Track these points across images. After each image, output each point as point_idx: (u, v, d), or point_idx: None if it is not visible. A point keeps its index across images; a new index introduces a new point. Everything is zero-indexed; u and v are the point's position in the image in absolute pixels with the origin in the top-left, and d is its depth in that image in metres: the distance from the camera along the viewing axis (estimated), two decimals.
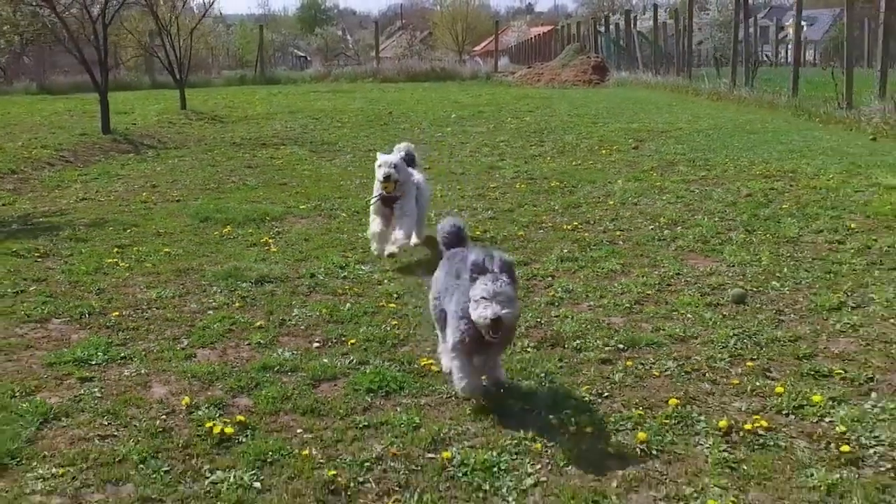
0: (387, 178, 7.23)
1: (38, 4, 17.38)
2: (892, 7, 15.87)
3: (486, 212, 9.42)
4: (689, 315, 5.92)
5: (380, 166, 7.28)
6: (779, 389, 4.62)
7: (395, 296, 6.53)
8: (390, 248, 7.25)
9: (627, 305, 6.17)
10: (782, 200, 9.52)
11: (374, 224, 7.51)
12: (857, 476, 3.74)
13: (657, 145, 14.06)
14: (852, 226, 8.25)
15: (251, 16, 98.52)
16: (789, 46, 46.94)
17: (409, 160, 7.65)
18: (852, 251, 7.39)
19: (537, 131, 16.59)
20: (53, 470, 3.90)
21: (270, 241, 8.24)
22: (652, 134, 15.54)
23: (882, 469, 3.80)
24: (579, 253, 7.60)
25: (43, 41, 23.09)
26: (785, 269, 6.94)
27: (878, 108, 14.62)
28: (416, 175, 7.74)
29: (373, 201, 7.55)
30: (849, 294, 6.27)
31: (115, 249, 7.97)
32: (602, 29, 39.35)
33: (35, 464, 3.96)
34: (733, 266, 7.08)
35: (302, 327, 5.83)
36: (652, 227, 8.53)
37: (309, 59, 63.98)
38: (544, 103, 23.30)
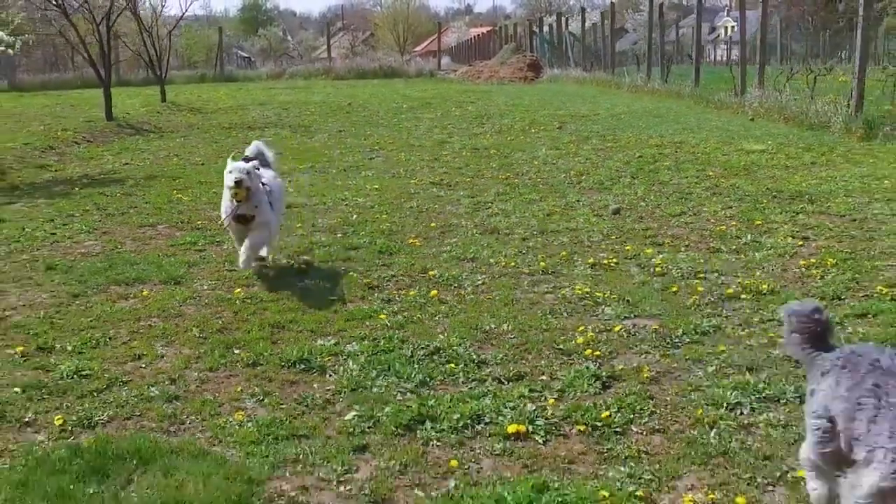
0: (238, 182, 6.67)
1: (49, 8, 20.10)
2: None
3: (441, 169, 12.56)
4: (581, 219, 9.11)
5: (230, 172, 6.74)
6: (628, 248, 7.82)
7: (385, 211, 9.63)
8: (241, 265, 7.00)
9: (541, 216, 9.34)
10: (665, 160, 12.73)
11: (237, 243, 7.22)
12: (660, 281, 6.94)
13: (577, 126, 17.28)
14: (710, 174, 11.48)
15: (192, 17, 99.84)
16: (716, 46, 50.81)
17: (262, 161, 7.37)
18: (702, 187, 10.61)
19: (478, 117, 19.76)
20: (207, 283, 7.01)
21: (287, 182, 11.34)
22: (574, 118, 18.77)
23: (676, 275, 6.98)
24: (510, 191, 10.77)
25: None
26: (652, 197, 10.15)
27: (757, 95, 18.01)
28: (267, 175, 7.24)
29: (225, 221, 7.15)
30: (690, 208, 9.50)
31: (174, 191, 11.03)
32: (537, 30, 42.67)
33: (196, 281, 7.07)
34: (617, 196, 10.28)
35: (330, 228, 8.95)
36: (564, 176, 11.71)
37: (253, 59, 66.16)
38: (484, 96, 26.49)
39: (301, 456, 4.03)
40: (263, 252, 7.21)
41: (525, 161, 13.00)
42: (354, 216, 9.34)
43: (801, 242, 7.76)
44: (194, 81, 38.50)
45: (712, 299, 6.27)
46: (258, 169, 7.01)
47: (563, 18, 41.46)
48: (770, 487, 3.70)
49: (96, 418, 4.47)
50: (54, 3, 19.52)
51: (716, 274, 6.90)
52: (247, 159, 7.14)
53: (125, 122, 19.75)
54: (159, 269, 7.30)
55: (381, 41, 76.76)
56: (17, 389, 4.75)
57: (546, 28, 41.79)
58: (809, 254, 7.37)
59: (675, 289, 6.53)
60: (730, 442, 4.08)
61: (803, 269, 6.93)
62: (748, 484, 3.72)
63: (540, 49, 40.21)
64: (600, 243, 8.00)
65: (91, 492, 3.69)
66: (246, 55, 70.74)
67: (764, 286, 6.48)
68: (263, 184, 7.01)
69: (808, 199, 9.48)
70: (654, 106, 20.98)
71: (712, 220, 8.76)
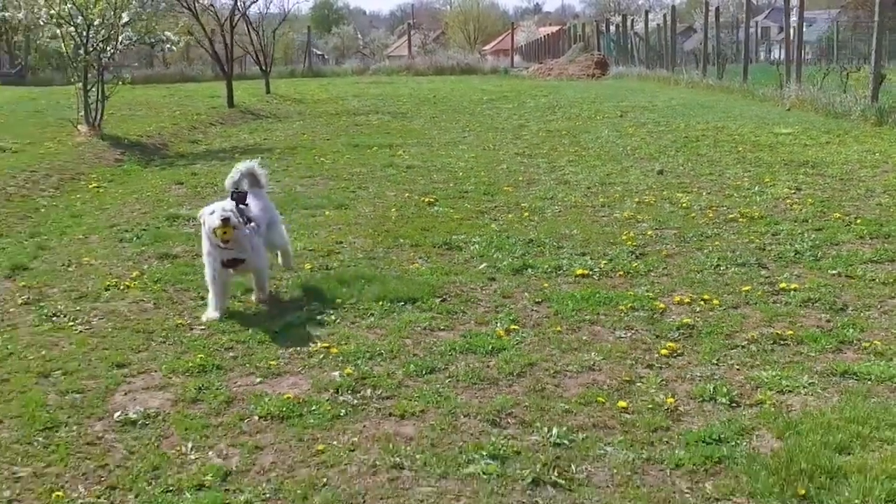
0: (225, 220, 5.83)
1: (181, 10, 23.51)
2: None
3: (522, 144, 15.60)
4: (632, 177, 12.10)
5: (212, 212, 5.90)
6: (664, 193, 10.78)
7: (482, 170, 12.71)
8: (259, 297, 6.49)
9: (602, 175, 12.32)
10: (706, 140, 15.64)
11: (211, 310, 6.25)
12: (684, 211, 9.94)
13: (636, 115, 20.23)
14: (740, 149, 14.39)
15: (267, 14, 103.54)
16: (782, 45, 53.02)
17: (254, 182, 6.68)
18: (731, 158, 13.50)
19: (550, 107, 22.80)
20: (366, 209, 10.16)
21: (401, 151, 14.51)
22: (634, 109, 21.71)
23: (696, 208, 9.98)
24: (578, 159, 13.79)
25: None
26: (689, 163, 13.09)
27: (794, 89, 20.86)
28: (254, 207, 6.41)
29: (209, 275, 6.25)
30: (717, 171, 12.43)
31: (316, 156, 14.25)
32: (604, 30, 45.58)
33: (358, 206, 10.23)
34: (662, 162, 13.26)
35: (444, 180, 12.05)
36: (621, 150, 14.69)
37: (326, 57, 69.54)
38: (554, 91, 29.51)
39: (456, 283, 7.14)
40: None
41: (590, 139, 16.00)
42: (460, 173, 12.43)
43: (793, 191, 10.65)
44: (285, 76, 41.90)
45: (718, 220, 9.25)
46: (244, 203, 6.26)
47: (630, 19, 44.26)
48: (726, 296, 6.73)
49: (333, 265, 7.63)
50: (185, 4, 22.86)
51: (724, 207, 9.85)
52: (233, 194, 6.31)
53: (244, 108, 23.06)
54: (330, 201, 10.47)
55: (452, 39, 79.33)
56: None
57: (612, 28, 44.62)
58: (797, 197, 10.30)
59: (693, 215, 9.52)
60: (706, 280, 7.11)
61: (787, 205, 9.86)
62: (713, 293, 6.75)
63: (606, 48, 43.08)
64: (645, 191, 10.98)
65: (343, 288, 6.84)
66: (319, 53, 73.84)
67: (756, 213, 9.44)
68: (250, 220, 6.22)
69: (810, 166, 12.34)
70: (706, 99, 23.82)
71: (732, 178, 11.69)
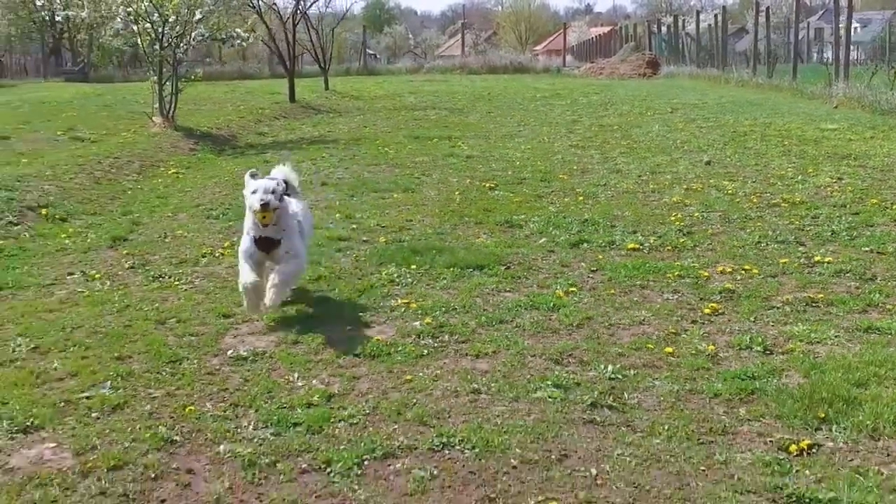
0: (265, 206, 5.71)
1: (247, 9, 24.42)
2: None
3: (576, 137, 16.27)
4: (681, 167, 12.75)
5: (254, 192, 5.77)
6: (712, 181, 11.42)
7: (538, 160, 13.42)
8: (268, 302, 5.93)
9: (653, 165, 12.97)
10: (753, 134, 16.22)
11: (245, 273, 5.94)
12: (730, 197, 10.60)
13: (686, 111, 20.82)
14: (786, 143, 15.00)
15: (325, 14, 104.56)
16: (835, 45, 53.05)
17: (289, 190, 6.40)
18: (776, 151, 14.10)
19: (602, 104, 23.45)
20: (432, 192, 10.93)
21: (460, 143, 15.26)
22: (685, 106, 22.30)
23: (741, 195, 10.64)
24: (630, 151, 14.46)
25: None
26: (736, 156, 13.69)
27: (842, 87, 21.37)
28: (294, 205, 6.35)
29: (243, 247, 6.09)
30: (763, 163, 13.04)
31: (380, 147, 15.04)
32: (655, 30, 46.06)
33: (423, 190, 11.00)
34: (711, 155, 13.91)
35: (502, 168, 12.78)
36: (671, 143, 15.33)
37: (378, 56, 70.48)
38: (606, 89, 30.12)
39: (519, 254, 7.86)
40: (288, 291, 6.21)
41: (641, 134, 16.65)
42: (517, 163, 13.15)
43: (835, 181, 11.24)
44: (340, 74, 42.82)
45: (761, 205, 9.89)
46: (286, 192, 6.15)
47: (682, 20, 44.71)
48: (765, 267, 7.40)
49: (404, 237, 8.40)
50: (251, 4, 23.78)
51: (768, 194, 10.48)
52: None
53: (305, 104, 23.94)
54: (397, 185, 11.25)
55: (504, 39, 79.88)
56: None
57: (664, 29, 45.09)
58: (838, 186, 10.91)
59: (738, 200, 10.17)
60: (747, 254, 7.78)
61: (828, 193, 10.46)
62: (753, 264, 7.42)
63: (658, 48, 43.56)
64: (693, 179, 11.63)
65: (417, 257, 7.60)
66: (372, 52, 74.78)
67: (797, 199, 10.07)
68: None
69: (852, 158, 12.92)
70: (755, 97, 24.34)
71: (776, 169, 12.30)
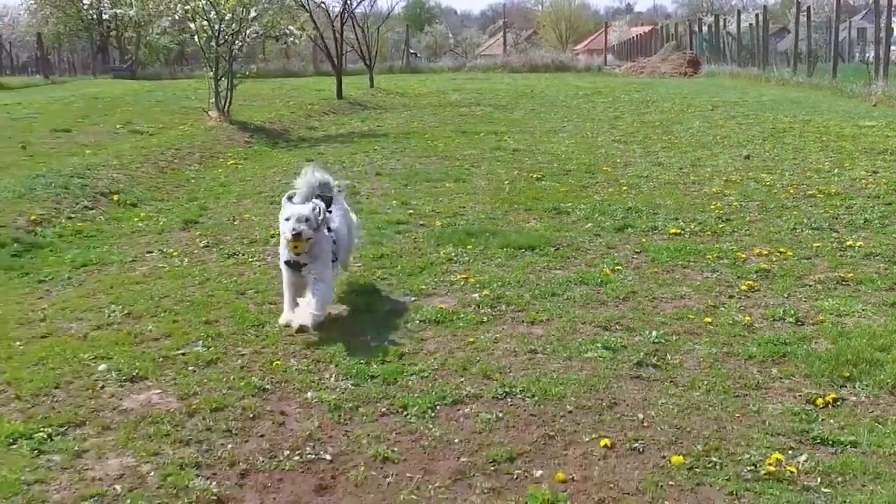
0: (296, 236, 5.64)
1: (297, 7, 25.07)
2: None
3: (618, 133, 16.76)
4: (720, 161, 13.20)
5: (287, 219, 5.70)
6: (750, 174, 11.91)
7: (582, 154, 13.94)
8: (300, 321, 5.84)
9: (693, 158, 13.42)
10: (792, 131, 16.60)
11: (286, 293, 6.05)
12: (767, 188, 11.07)
13: (727, 109, 21.22)
14: (823, 139, 15.40)
15: (371, 13, 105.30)
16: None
17: (326, 195, 6.29)
18: (814, 147, 14.49)
19: (644, 102, 23.88)
20: (482, 182, 11.49)
21: (507, 137, 15.80)
22: (725, 104, 22.68)
23: (778, 186, 11.11)
24: (671, 146, 14.91)
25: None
26: (774, 150, 14.14)
27: (881, 86, 21.70)
28: (335, 215, 6.24)
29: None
30: (800, 157, 13.48)
31: (429, 141, 15.60)
32: (696, 29, 46.34)
33: (473, 181, 11.56)
34: (751, 149, 14.35)
35: (548, 161, 13.32)
36: (711, 138, 15.76)
37: (418, 55, 71.01)
38: (647, 87, 30.52)
39: (567, 237, 8.38)
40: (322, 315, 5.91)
41: (682, 130, 17.10)
42: (562, 156, 13.67)
43: (870, 174, 11.64)
44: (383, 72, 43.41)
45: (797, 196, 10.34)
46: (327, 210, 6.05)
47: (723, 19, 44.97)
48: (799, 250, 7.88)
49: (459, 222, 8.96)
50: (302, 4, 24.42)
51: (804, 186, 10.92)
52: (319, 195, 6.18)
53: (352, 100, 24.56)
54: (448, 175, 11.80)
55: (544, 39, 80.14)
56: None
57: (705, 28, 45.36)
58: (873, 179, 11.33)
59: (775, 191, 10.62)
60: (783, 239, 8.26)
61: (863, 185, 10.89)
62: (788, 247, 7.91)
63: (698, 47, 43.84)
64: (732, 172, 12.09)
65: (472, 238, 8.16)
66: (412, 51, 75.22)
67: (833, 191, 10.51)
68: (329, 229, 6.03)
69: (889, 153, 13.30)
70: (795, 95, 24.68)
71: (813, 163, 12.72)
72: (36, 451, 4.29)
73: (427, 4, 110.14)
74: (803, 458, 4.08)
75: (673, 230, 8.46)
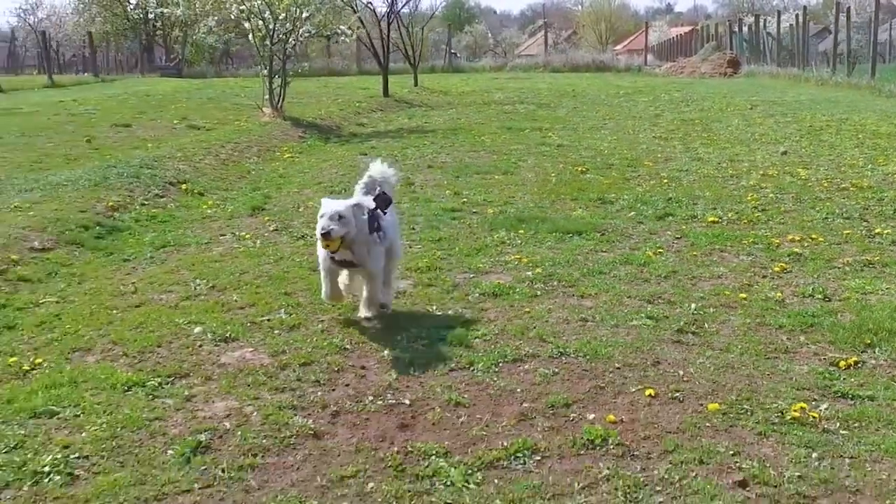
0: (325, 235, 5.49)
1: (344, 7, 25.79)
2: None
3: (659, 130, 17.28)
4: (758, 157, 13.73)
5: (321, 216, 5.55)
6: (786, 169, 12.43)
7: (624, 150, 14.50)
8: (365, 313, 5.99)
9: (731, 154, 13.89)
10: (829, 129, 17.05)
11: (326, 286, 6.01)
12: (802, 182, 11.60)
13: (765, 108, 21.67)
14: (860, 137, 15.86)
15: (415, 13, 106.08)
16: None
17: (383, 194, 5.99)
18: (850, 143, 14.94)
19: (684, 101, 24.38)
20: (530, 174, 12.11)
21: (551, 133, 16.39)
22: (764, 103, 23.13)
23: (813, 180, 11.64)
24: (710, 142, 15.42)
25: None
26: (811, 147, 14.60)
27: None
28: (385, 219, 5.96)
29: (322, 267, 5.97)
30: (836, 153, 13.96)
31: (476, 137, 16.23)
32: (736, 29, 46.65)
33: (521, 173, 12.17)
34: (789, 145, 14.85)
35: (591, 156, 13.90)
36: (750, 135, 16.24)
37: (458, 55, 71.64)
38: (687, 87, 30.98)
39: (611, 224, 8.96)
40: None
41: (721, 127, 17.61)
42: (605, 151, 14.25)
43: None
44: (425, 72, 44.07)
45: (831, 189, 10.86)
46: (384, 210, 5.94)
47: (763, 20, 45.23)
48: (830, 237, 8.42)
49: (509, 209, 9.57)
50: (351, 5, 25.14)
51: (838, 180, 11.43)
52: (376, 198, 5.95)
53: (398, 98, 25.24)
54: (497, 168, 12.43)
55: (584, 39, 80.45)
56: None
57: (745, 28, 45.65)
58: None
59: (810, 185, 11.14)
60: (815, 227, 8.80)
61: (895, 178, 11.44)
62: (820, 234, 8.45)
63: (738, 47, 44.16)
64: (769, 167, 12.61)
65: (522, 224, 8.77)
66: (453, 51, 75.79)
67: (865, 184, 11.02)
68: (379, 227, 5.85)
69: None
70: (833, 95, 25.08)
71: (848, 159, 13.20)
72: (150, 396, 4.93)
73: (467, 4, 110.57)
74: (824, 406, 4.64)
75: (711, 218, 9.02)
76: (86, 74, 46.53)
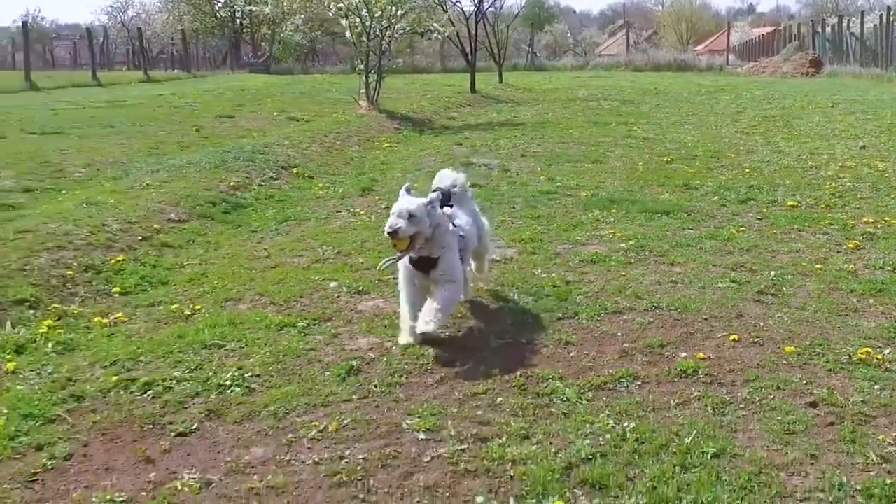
0: (392, 233, 5.17)
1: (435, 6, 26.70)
2: None
3: (741, 126, 17.90)
4: (837, 150, 14.28)
5: (393, 213, 5.22)
6: (865, 161, 13.01)
7: (707, 143, 15.17)
8: (423, 327, 5.27)
9: (811, 147, 14.49)
10: None
11: (405, 300, 5.53)
12: (878, 173, 12.19)
13: (846, 106, 22.10)
14: None
15: (500, 12, 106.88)
16: None
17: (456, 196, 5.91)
18: None
19: (765, 99, 24.86)
20: (618, 163, 12.87)
21: (636, 127, 17.11)
22: (845, 101, 23.52)
23: (893, 172, 12.24)
24: (791, 137, 15.98)
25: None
26: (891, 142, 15.02)
27: None
28: (462, 219, 5.78)
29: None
30: (864, 141, 14.53)
31: (563, 129, 17.00)
32: (819, 30, 46.68)
33: (613, 161, 12.94)
34: (868, 140, 15.31)
35: (676, 149, 14.60)
36: (830, 131, 16.73)
37: (538, 54, 72.22)
38: (769, 86, 31.36)
39: (697, 206, 9.70)
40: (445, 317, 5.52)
41: (802, 124, 18.16)
42: (689, 144, 14.94)
43: None
44: (507, 70, 44.85)
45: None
46: (448, 204, 5.77)
47: (847, 20, 45.24)
48: (873, 220, 9.08)
49: (601, 193, 10.35)
50: (441, 4, 26.04)
51: None
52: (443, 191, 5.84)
53: (485, 94, 26.10)
54: (587, 157, 13.24)
55: (664, 38, 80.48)
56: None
57: (828, 29, 45.69)
58: None
59: (887, 175, 11.65)
60: (889, 211, 9.44)
61: None
62: (893, 217, 9.10)
63: (821, 47, 44.23)
64: (847, 159, 13.18)
65: (614, 205, 9.56)
66: (534, 50, 76.36)
67: None
68: (454, 224, 5.61)
69: None
70: None
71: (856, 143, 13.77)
72: (302, 333, 5.82)
73: (546, 4, 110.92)
74: (888, 351, 5.37)
75: (790, 203, 9.71)
76: (176, 71, 48.07)
